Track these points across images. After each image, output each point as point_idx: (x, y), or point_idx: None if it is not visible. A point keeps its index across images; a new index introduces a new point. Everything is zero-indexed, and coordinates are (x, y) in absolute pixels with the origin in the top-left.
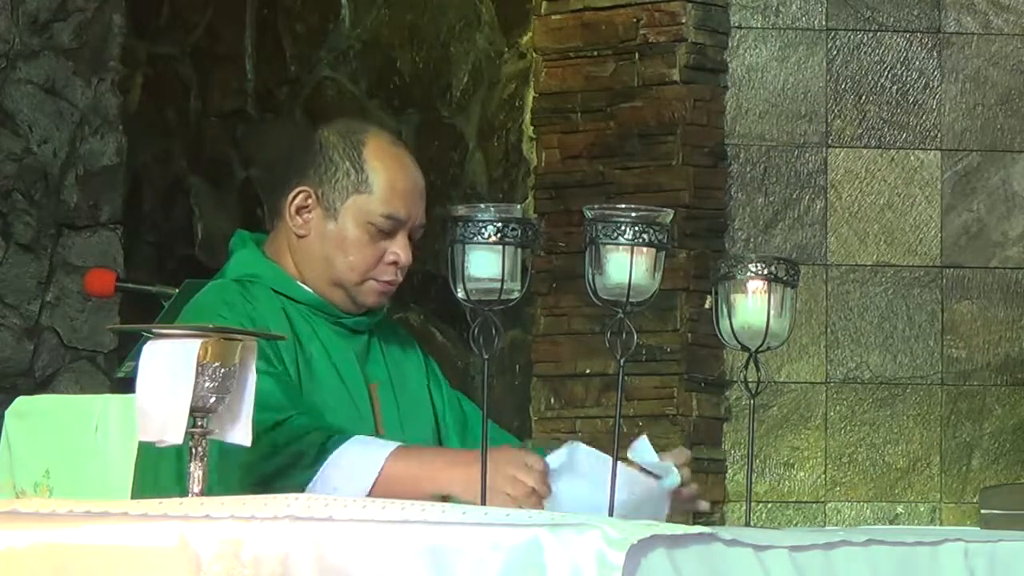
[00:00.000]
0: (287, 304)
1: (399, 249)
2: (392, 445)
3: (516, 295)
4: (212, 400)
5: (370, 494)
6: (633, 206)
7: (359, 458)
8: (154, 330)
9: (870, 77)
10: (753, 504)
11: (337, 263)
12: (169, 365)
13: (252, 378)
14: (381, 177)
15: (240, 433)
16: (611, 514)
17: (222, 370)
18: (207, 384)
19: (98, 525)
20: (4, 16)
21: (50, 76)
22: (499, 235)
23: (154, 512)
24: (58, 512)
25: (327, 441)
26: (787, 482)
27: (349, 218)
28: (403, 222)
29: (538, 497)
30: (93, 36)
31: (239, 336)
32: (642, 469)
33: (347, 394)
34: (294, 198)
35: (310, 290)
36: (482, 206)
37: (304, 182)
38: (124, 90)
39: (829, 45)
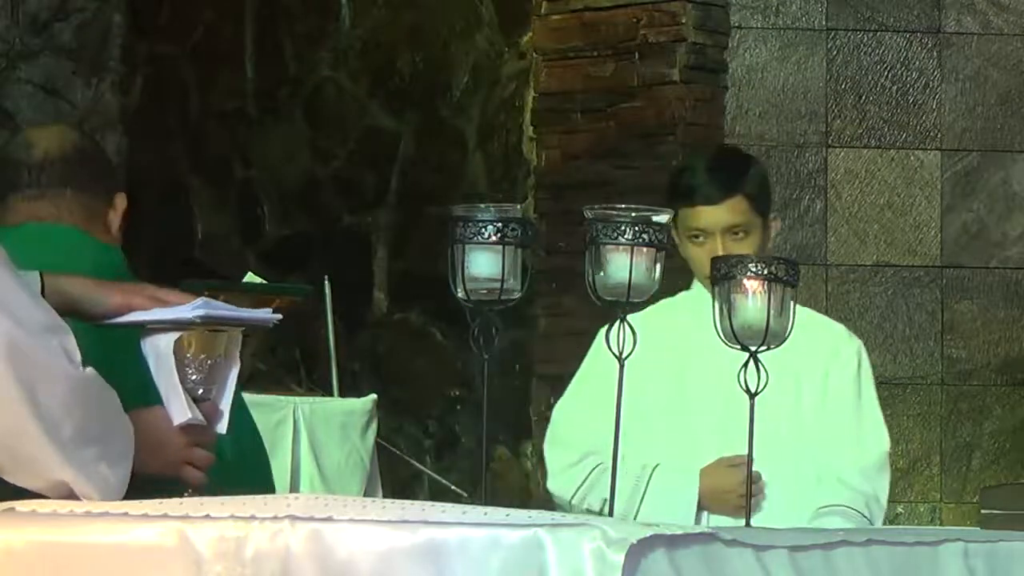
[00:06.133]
0: None
1: None
2: None
3: (516, 295)
4: (200, 391)
5: None
6: (633, 206)
7: None
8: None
9: (870, 77)
10: None
11: None
12: (154, 360)
13: (235, 368)
14: None
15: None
16: (611, 514)
17: (208, 361)
18: (195, 376)
19: (98, 525)
20: (4, 16)
21: (50, 76)
22: (499, 235)
23: (154, 512)
24: (58, 512)
25: None
26: None
27: None
28: None
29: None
30: (93, 36)
31: (223, 327)
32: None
33: None
34: None
35: None
36: (482, 206)
37: None
38: (124, 90)
39: (829, 45)
